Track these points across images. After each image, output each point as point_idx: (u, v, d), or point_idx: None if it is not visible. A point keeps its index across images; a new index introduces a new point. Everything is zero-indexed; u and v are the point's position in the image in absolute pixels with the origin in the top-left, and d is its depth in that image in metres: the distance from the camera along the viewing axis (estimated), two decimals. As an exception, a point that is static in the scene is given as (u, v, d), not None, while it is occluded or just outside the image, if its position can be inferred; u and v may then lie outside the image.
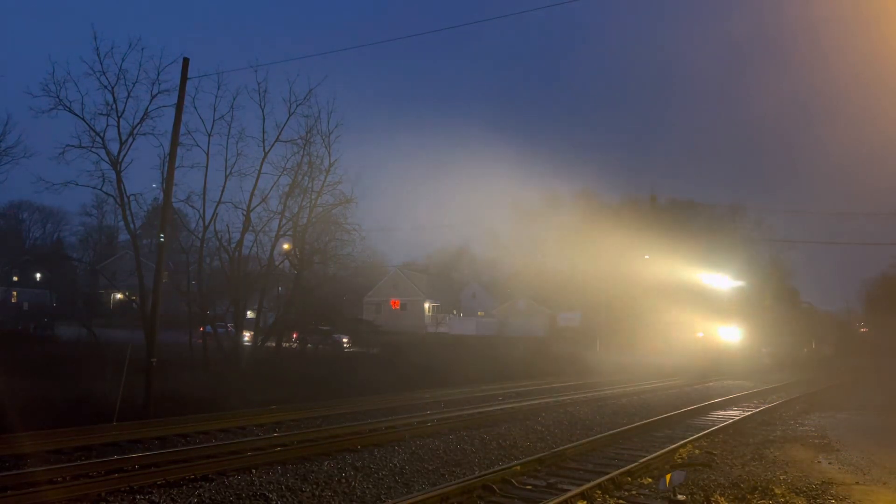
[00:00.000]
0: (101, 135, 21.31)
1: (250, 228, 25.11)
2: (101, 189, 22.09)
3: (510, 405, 17.92)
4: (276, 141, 24.90)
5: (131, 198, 22.12)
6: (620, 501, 8.44)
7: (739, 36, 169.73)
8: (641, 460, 10.44)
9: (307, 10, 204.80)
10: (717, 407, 19.35)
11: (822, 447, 12.73)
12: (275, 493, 8.28)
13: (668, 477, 8.98)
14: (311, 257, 27.58)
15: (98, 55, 20.92)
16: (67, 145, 20.87)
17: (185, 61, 18.18)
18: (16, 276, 66.73)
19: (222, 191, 24.01)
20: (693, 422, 16.09)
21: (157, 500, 7.85)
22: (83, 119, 21.11)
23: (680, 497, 8.37)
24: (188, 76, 18.25)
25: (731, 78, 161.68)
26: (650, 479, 9.57)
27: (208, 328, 24.64)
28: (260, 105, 24.56)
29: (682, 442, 12.41)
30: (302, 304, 27.37)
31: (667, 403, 19.73)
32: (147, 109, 21.50)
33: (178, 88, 18.25)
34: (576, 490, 8.47)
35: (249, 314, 28.11)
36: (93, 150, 21.27)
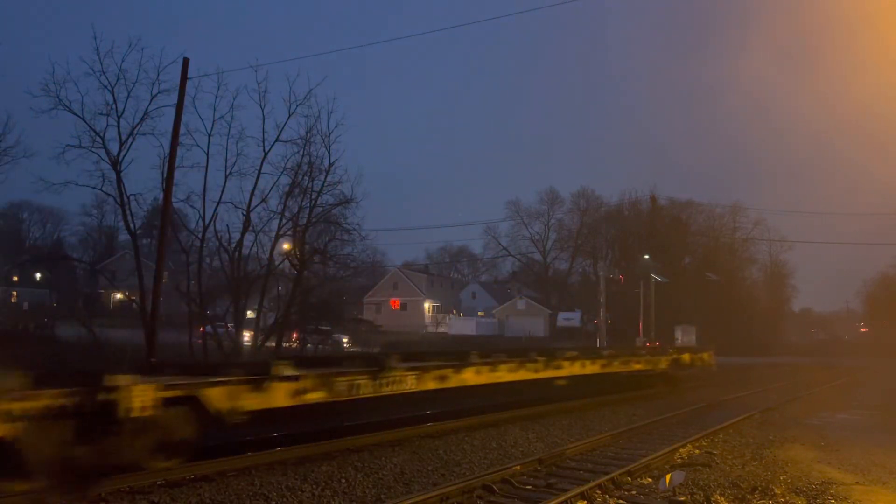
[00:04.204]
0: (101, 135, 21.35)
1: (250, 228, 25.17)
2: (101, 189, 22.13)
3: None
4: (276, 141, 24.99)
5: (131, 198, 22.15)
6: (620, 501, 8.44)
7: (742, 39, 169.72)
8: (641, 460, 10.45)
9: (307, 10, 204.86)
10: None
11: (822, 447, 12.72)
12: (275, 493, 8.28)
13: (668, 477, 8.98)
14: (311, 257, 27.60)
15: (98, 55, 20.97)
16: (67, 145, 20.93)
17: (185, 61, 18.23)
18: (16, 276, 66.75)
19: (222, 191, 24.05)
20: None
21: (156, 500, 7.84)
22: (83, 119, 21.16)
23: (680, 497, 8.37)
24: (188, 76, 18.32)
25: (730, 79, 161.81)
26: (650, 479, 9.57)
27: (208, 328, 24.64)
28: (260, 105, 24.63)
29: (683, 442, 12.40)
30: (302, 304, 27.37)
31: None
32: (147, 109, 21.55)
33: (178, 88, 18.31)
34: (576, 490, 8.47)
35: (249, 314, 28.12)
36: (93, 150, 21.32)
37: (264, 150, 24.70)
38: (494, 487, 8.65)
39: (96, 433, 6.98)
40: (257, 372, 9.07)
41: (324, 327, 30.64)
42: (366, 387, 10.23)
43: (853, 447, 12.59)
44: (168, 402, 7.52)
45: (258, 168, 24.54)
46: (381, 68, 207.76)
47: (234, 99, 23.85)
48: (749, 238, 78.51)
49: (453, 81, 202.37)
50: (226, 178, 23.87)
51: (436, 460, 10.58)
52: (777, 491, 8.78)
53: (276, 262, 27.25)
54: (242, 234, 24.94)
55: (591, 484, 8.75)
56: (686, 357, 23.12)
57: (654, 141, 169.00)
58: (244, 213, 24.63)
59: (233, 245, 25.11)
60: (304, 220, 26.53)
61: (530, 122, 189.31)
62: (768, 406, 19.48)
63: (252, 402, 8.61)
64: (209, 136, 23.47)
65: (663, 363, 21.39)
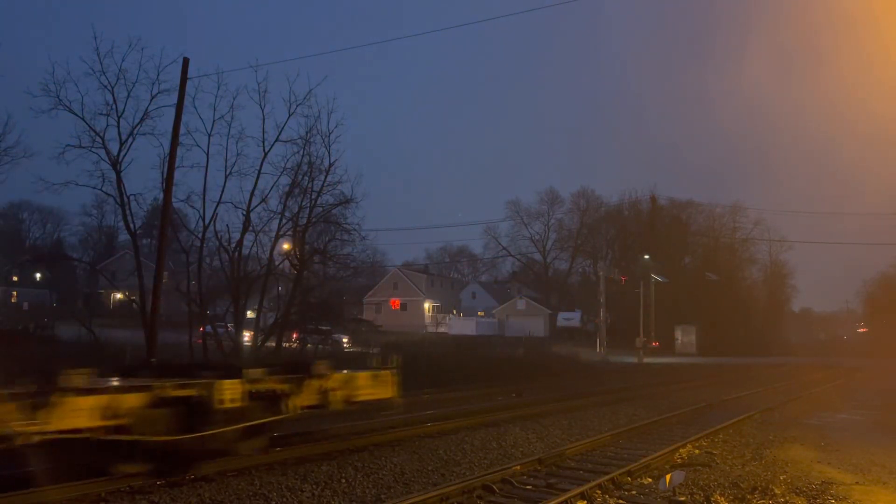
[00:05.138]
0: (101, 135, 21.32)
1: (250, 228, 25.15)
2: (101, 189, 22.11)
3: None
4: (276, 141, 24.96)
5: (131, 198, 22.10)
6: (620, 501, 8.43)
7: (741, 39, 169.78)
8: (641, 460, 10.44)
9: (307, 10, 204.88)
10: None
11: (822, 447, 12.72)
12: (275, 493, 8.28)
13: (668, 477, 8.98)
14: (311, 257, 27.60)
15: (98, 55, 20.94)
16: (67, 145, 20.90)
17: (185, 61, 18.22)
18: (16, 276, 66.77)
19: (222, 191, 24.02)
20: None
21: (156, 500, 7.84)
22: (83, 119, 21.13)
23: (680, 497, 8.37)
24: (188, 76, 18.30)
25: (731, 79, 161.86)
26: (650, 479, 9.57)
27: (208, 328, 24.63)
28: (260, 105, 24.59)
29: (683, 442, 12.40)
30: (302, 304, 27.38)
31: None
32: (147, 109, 21.51)
33: (178, 88, 18.30)
34: (576, 490, 8.47)
35: (249, 314, 28.11)
36: (93, 150, 21.30)
37: (264, 150, 24.71)
38: (494, 487, 8.65)
39: None
40: None
41: (324, 327, 30.65)
42: None
43: (853, 447, 12.60)
44: None
45: (258, 168, 24.56)
46: (382, 68, 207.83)
47: (234, 99, 23.81)
48: (749, 238, 78.60)
49: (454, 81, 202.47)
50: (226, 178, 23.88)
51: (436, 460, 10.58)
52: (777, 491, 8.78)
53: (276, 262, 27.26)
54: (242, 234, 24.95)
55: (591, 484, 8.74)
56: (266, 386, 9.70)
57: (655, 141, 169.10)
58: (244, 213, 24.63)
59: (233, 245, 25.12)
60: (304, 220, 26.55)
61: (531, 122, 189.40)
62: (768, 406, 19.48)
63: None
64: (209, 136, 23.46)
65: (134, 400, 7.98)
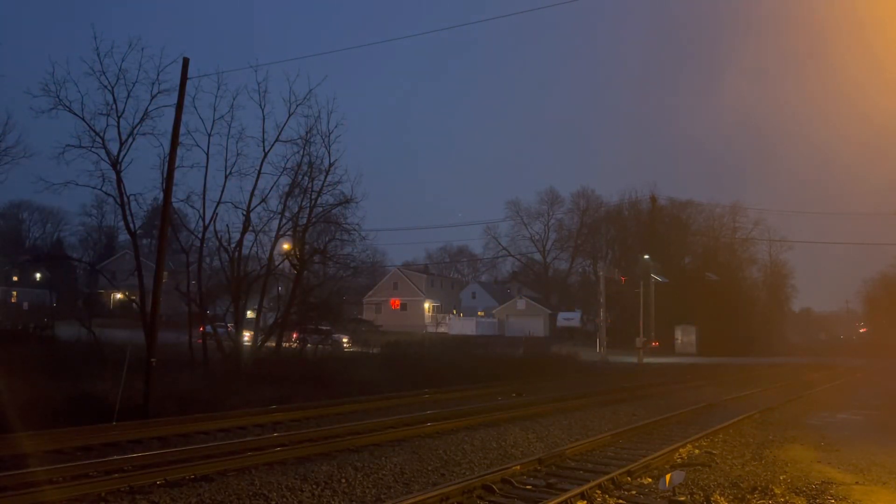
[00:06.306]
0: (101, 135, 21.22)
1: (250, 228, 25.07)
2: (101, 189, 22.01)
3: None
4: (276, 141, 24.86)
5: (131, 198, 22.01)
6: (620, 501, 8.43)
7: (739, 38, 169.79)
8: (641, 460, 10.44)
9: (307, 10, 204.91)
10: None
11: (821, 447, 12.73)
12: (275, 493, 8.28)
13: (667, 477, 8.98)
14: (311, 257, 27.57)
15: (98, 55, 20.82)
16: (67, 145, 20.80)
17: (185, 61, 18.15)
18: (16, 276, 66.73)
19: (222, 191, 23.94)
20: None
21: (157, 500, 7.84)
22: (83, 119, 21.03)
23: (680, 497, 8.37)
24: (188, 76, 18.22)
25: (731, 77, 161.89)
26: (650, 479, 9.57)
27: (208, 328, 24.60)
28: (260, 105, 24.47)
29: (682, 442, 12.40)
30: (302, 304, 27.35)
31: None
32: (147, 109, 21.38)
33: (178, 88, 18.21)
34: (576, 490, 8.47)
35: (249, 314, 28.08)
36: (93, 150, 21.20)
37: (264, 150, 24.61)
38: (494, 487, 8.65)
39: None
40: None
41: (324, 327, 30.62)
42: None
43: (853, 447, 12.60)
44: None
45: (258, 168, 24.47)
46: (382, 67, 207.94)
47: (234, 99, 23.66)
48: (749, 238, 78.57)
49: (454, 81, 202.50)
50: (226, 178, 23.78)
51: (436, 460, 10.58)
52: (777, 491, 8.78)
53: (276, 262, 27.18)
54: (242, 234, 24.88)
55: (591, 484, 8.74)
56: None
57: (655, 141, 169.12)
58: (244, 213, 24.56)
59: (233, 245, 25.06)
60: (304, 220, 26.50)
61: (531, 122, 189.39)
62: (768, 406, 19.48)
63: None
64: (209, 136, 23.34)
65: None
